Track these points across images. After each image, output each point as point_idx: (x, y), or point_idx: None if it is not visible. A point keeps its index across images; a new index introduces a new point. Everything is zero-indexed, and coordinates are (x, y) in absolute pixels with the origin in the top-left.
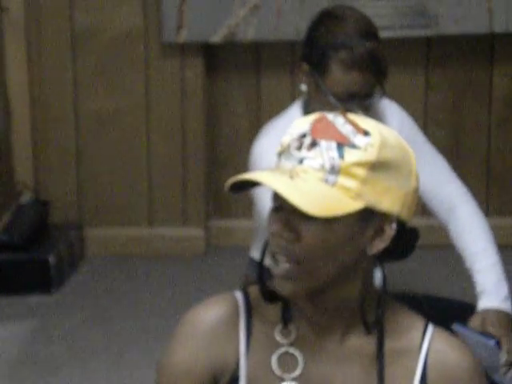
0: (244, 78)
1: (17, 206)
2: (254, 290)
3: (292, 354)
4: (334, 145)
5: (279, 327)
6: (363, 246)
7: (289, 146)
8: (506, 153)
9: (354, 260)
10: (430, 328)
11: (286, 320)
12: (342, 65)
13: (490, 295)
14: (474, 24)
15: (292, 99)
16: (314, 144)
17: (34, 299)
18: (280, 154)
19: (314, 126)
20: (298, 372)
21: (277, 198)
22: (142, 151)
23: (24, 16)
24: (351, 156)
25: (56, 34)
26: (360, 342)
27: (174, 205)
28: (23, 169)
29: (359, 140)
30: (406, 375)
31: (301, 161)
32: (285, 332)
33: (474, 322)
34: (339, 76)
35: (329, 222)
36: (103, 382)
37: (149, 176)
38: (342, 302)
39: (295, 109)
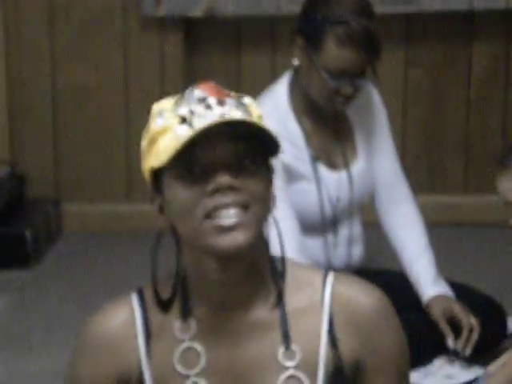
0: (224, 53)
1: None
2: (149, 289)
3: (194, 349)
4: (235, 102)
5: (178, 323)
6: (271, 198)
7: (192, 112)
8: (485, 129)
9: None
10: (331, 276)
11: (185, 314)
12: (337, 40)
13: (436, 285)
14: (455, 1)
15: (272, 74)
16: (221, 102)
17: (11, 274)
18: (183, 121)
19: (208, 90)
20: (201, 366)
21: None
22: (121, 126)
23: None
24: (252, 110)
25: (33, 7)
26: (262, 312)
27: None
28: None
29: (244, 99)
30: (312, 330)
31: (222, 116)
32: (184, 327)
33: (435, 312)
34: (333, 51)
35: (259, 168)
36: None
37: (127, 151)
38: (252, 265)
39: (282, 84)
